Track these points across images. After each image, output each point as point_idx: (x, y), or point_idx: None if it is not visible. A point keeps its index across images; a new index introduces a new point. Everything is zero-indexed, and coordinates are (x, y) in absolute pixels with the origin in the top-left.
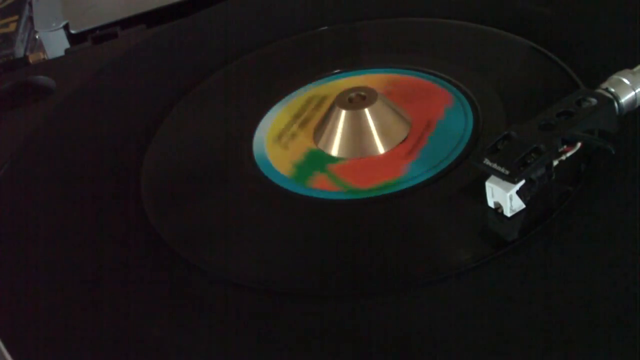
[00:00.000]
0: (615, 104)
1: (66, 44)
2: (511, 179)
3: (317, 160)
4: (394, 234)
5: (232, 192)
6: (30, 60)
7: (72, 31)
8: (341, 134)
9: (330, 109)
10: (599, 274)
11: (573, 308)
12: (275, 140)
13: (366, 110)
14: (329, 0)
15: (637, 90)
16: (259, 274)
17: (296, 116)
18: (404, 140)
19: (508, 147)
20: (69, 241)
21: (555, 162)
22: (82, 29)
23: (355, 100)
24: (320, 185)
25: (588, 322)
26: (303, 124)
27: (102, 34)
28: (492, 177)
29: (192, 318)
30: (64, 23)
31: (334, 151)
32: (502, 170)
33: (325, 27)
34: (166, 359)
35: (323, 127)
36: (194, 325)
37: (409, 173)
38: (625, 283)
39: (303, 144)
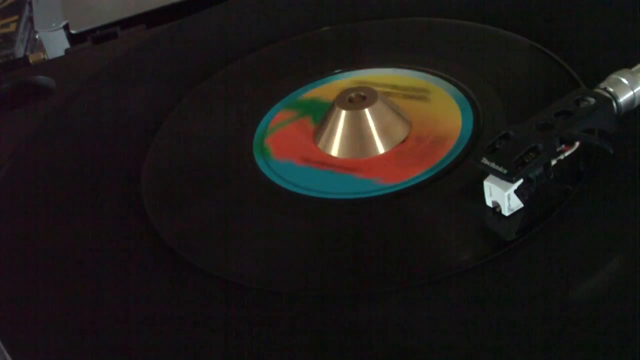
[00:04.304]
0: (614, 104)
1: (66, 44)
2: (509, 178)
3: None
4: (393, 233)
5: (233, 192)
6: (30, 60)
7: (72, 31)
8: (341, 134)
9: (330, 109)
10: (599, 274)
11: (572, 308)
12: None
13: (366, 111)
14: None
15: (635, 90)
16: (259, 274)
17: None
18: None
19: (506, 147)
20: (68, 241)
21: (554, 162)
22: (82, 29)
23: (355, 100)
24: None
25: (588, 322)
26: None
27: (102, 34)
28: (491, 176)
29: (192, 318)
30: (64, 23)
31: (334, 151)
32: (500, 169)
33: (327, 27)
34: (166, 358)
35: (323, 127)
36: (194, 325)
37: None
38: (625, 283)
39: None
